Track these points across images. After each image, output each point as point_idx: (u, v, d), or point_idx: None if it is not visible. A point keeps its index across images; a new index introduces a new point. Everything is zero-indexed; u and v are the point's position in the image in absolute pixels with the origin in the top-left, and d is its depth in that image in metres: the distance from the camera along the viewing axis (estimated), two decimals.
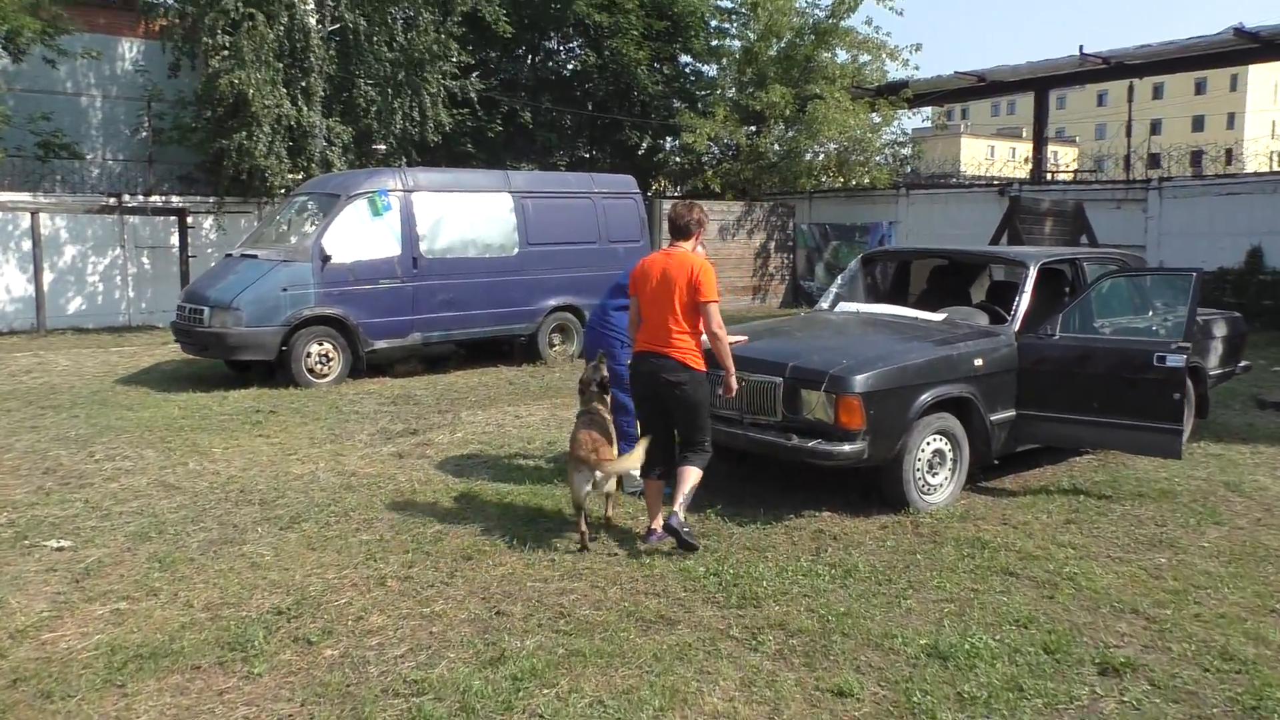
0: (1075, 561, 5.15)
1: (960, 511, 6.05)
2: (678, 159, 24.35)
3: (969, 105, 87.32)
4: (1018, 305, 6.72)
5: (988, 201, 20.23)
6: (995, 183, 20.79)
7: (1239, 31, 16.93)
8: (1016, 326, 6.63)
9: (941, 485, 6.23)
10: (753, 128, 23.29)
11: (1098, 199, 18.23)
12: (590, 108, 23.88)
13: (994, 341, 6.47)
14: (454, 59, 18.26)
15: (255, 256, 10.92)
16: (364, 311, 10.95)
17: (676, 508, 5.50)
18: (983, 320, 6.96)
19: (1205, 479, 6.78)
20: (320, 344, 10.74)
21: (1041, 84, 20.72)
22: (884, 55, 22.95)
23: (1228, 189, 17.57)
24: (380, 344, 11.18)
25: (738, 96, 23.21)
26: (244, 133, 16.17)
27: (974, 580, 4.88)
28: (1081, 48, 18.68)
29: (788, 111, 22.16)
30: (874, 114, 22.17)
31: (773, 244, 22.22)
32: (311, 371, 10.68)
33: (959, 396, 6.16)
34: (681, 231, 5.59)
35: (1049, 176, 21.10)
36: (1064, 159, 77.30)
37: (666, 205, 21.11)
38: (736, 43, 24.52)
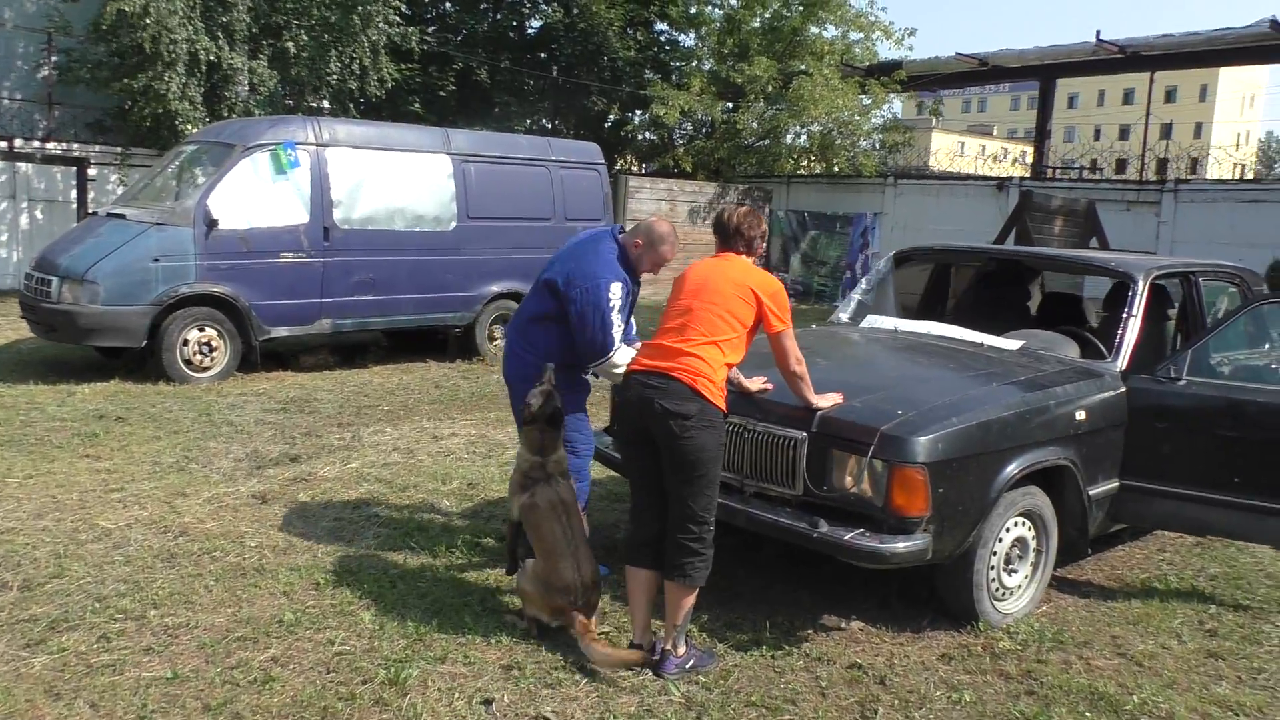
0: None
1: (1051, 630, 4.20)
2: (648, 134, 22.34)
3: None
4: (1123, 333, 4.85)
5: (983, 196, 18.55)
6: (993, 178, 19.07)
7: (1276, 24, 15.29)
8: (1124, 363, 4.77)
9: (1019, 588, 4.38)
10: (729, 104, 21.32)
11: (1106, 199, 16.55)
12: (555, 71, 21.73)
13: (1097, 385, 4.60)
14: (392, 2, 15.99)
15: (123, 216, 8.76)
16: (259, 291, 8.84)
17: (668, 647, 3.64)
18: (1072, 351, 5.09)
19: None
20: (201, 329, 8.62)
21: (1049, 71, 18.96)
22: (877, 32, 21.09)
23: (1251, 195, 15.99)
24: (279, 331, 9.08)
25: (716, 68, 21.20)
26: (150, 71, 13.86)
27: None
28: (1099, 33, 16.95)
29: (770, 87, 20.22)
30: (863, 96, 20.28)
31: None
32: (189, 363, 8.57)
33: (1055, 465, 4.30)
34: (736, 238, 3.92)
35: (1050, 174, 19.43)
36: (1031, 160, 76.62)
37: (631, 183, 19.15)
38: (718, 10, 22.49)
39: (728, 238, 3.95)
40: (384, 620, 3.90)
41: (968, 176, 19.78)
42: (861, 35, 21.61)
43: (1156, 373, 4.69)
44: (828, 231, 20.08)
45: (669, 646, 3.66)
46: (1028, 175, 18.66)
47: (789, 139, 21.02)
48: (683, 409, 3.52)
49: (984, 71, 19.70)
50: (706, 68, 22.00)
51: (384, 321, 9.89)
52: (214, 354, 8.70)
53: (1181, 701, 3.61)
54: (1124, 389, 4.66)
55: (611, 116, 23.24)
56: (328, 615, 3.94)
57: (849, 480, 3.92)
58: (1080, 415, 4.41)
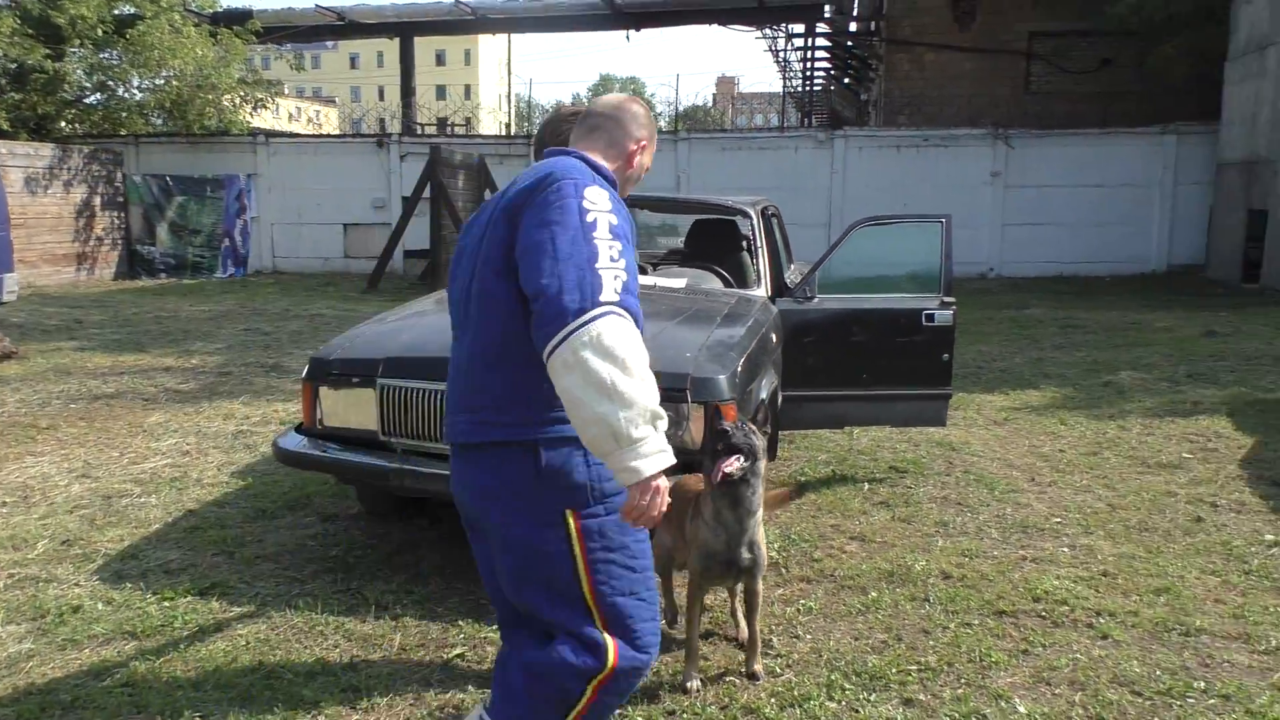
0: (1029, 569, 4.13)
1: (790, 534, 4.66)
2: None
3: None
4: (759, 262, 5.46)
5: (364, 154, 18.62)
6: (372, 135, 19.08)
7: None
8: (768, 289, 5.38)
9: None
10: (47, 52, 18.01)
11: (482, 154, 17.69)
12: None
13: (767, 310, 5.13)
14: None
15: None
16: None
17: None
18: (716, 284, 5.55)
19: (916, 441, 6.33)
20: None
21: (408, 29, 19.43)
22: None
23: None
24: None
25: (27, 5, 17.68)
26: None
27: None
28: None
29: (100, 31, 17.54)
30: (217, 46, 18.67)
31: (98, 200, 17.56)
32: None
33: (774, 388, 4.72)
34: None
35: (421, 130, 19.99)
36: (325, 118, 77.62)
37: None
38: None
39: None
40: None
41: (347, 135, 19.49)
42: None
43: (795, 295, 5.38)
44: (198, 197, 18.37)
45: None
46: (403, 134, 19.00)
47: (134, 93, 18.55)
48: None
49: (342, 26, 19.46)
50: (4, 3, 18.26)
51: None
52: None
53: (937, 559, 4.32)
54: (777, 311, 5.26)
55: None
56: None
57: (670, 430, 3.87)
58: (774, 338, 4.90)
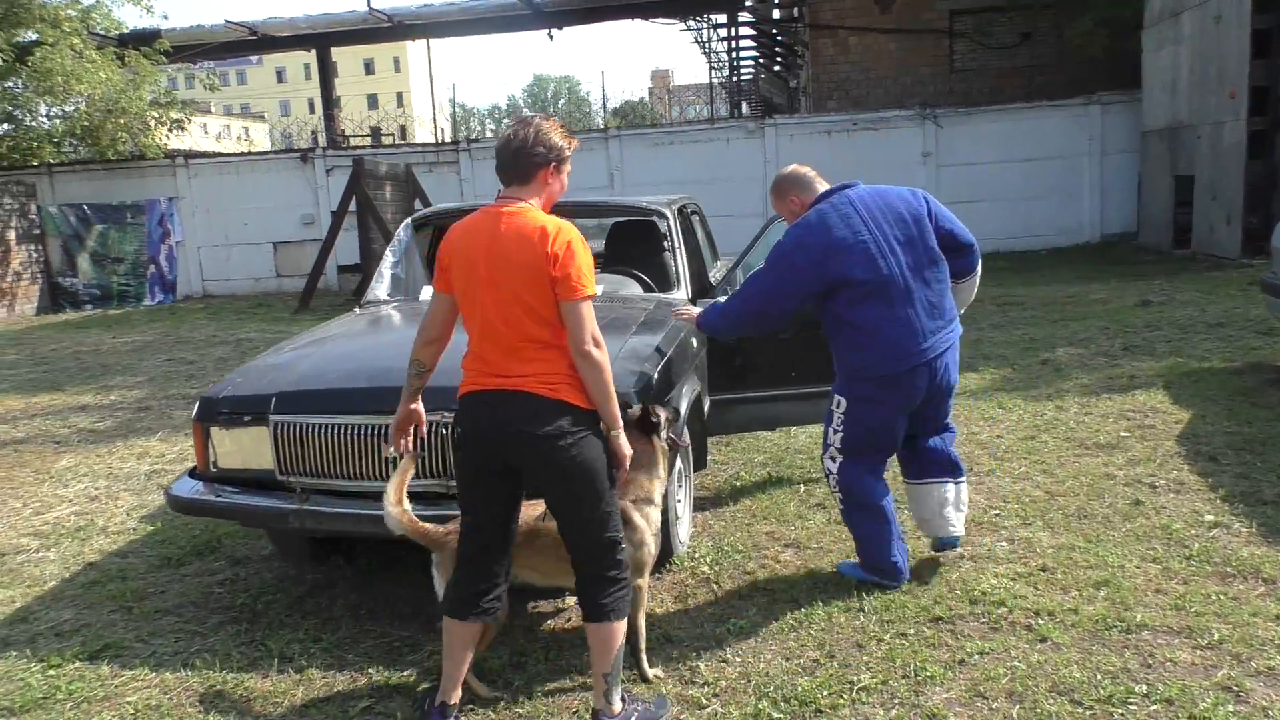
0: (967, 568, 3.99)
1: (723, 543, 4.47)
2: None
3: None
4: (676, 264, 5.26)
5: (289, 170, 18.16)
6: (296, 150, 18.63)
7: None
8: (689, 291, 5.18)
9: (683, 514, 4.58)
10: None
11: (411, 163, 17.33)
12: None
13: None
14: None
15: None
16: None
17: (605, 702, 2.98)
18: (634, 289, 5.34)
19: None
20: None
21: (323, 40, 18.97)
22: None
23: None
24: None
25: None
26: None
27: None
28: (369, 2, 17.41)
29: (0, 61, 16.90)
30: (125, 69, 18.06)
31: (12, 234, 16.93)
32: None
33: (698, 394, 4.53)
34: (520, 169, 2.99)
35: (346, 142, 19.51)
36: (255, 134, 76.18)
37: None
38: None
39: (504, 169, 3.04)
40: None
41: (266, 153, 19.01)
42: (94, 0, 19.17)
43: (716, 294, 5.18)
44: (118, 224, 17.84)
45: (608, 703, 2.96)
46: (327, 146, 18.57)
47: (42, 121, 17.90)
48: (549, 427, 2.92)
49: (255, 41, 18.96)
50: None
51: None
52: None
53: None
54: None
55: None
56: None
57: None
58: (695, 343, 4.71)
